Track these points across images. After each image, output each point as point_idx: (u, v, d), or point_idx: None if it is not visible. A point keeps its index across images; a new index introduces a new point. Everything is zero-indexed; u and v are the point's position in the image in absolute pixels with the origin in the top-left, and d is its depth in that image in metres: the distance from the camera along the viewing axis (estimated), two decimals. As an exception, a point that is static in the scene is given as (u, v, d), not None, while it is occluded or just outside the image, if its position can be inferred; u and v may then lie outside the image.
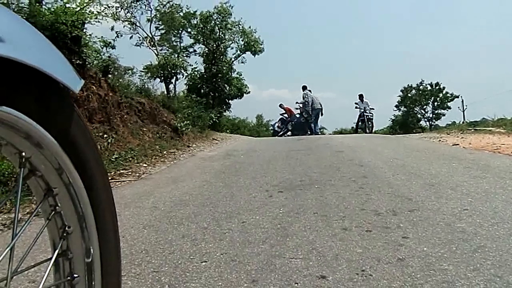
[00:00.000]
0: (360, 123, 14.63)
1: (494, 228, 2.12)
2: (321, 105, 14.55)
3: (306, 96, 14.34)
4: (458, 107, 31.81)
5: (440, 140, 7.93)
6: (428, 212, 2.49)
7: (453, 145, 6.82)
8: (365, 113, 14.31)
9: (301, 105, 14.75)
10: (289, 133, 15.13)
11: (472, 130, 9.09)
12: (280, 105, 16.13)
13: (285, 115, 15.83)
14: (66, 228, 0.70)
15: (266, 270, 1.74)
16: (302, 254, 1.90)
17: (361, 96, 14.79)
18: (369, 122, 14.34)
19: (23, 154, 0.60)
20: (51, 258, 0.68)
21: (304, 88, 14.58)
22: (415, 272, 1.63)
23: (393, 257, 1.80)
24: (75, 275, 0.73)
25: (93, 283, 0.74)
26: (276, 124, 16.05)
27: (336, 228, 2.27)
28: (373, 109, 14.70)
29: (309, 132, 14.26)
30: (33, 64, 0.53)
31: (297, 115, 15.09)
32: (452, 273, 1.60)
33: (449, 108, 31.48)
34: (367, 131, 14.06)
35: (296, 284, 1.58)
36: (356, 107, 14.64)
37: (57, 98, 0.62)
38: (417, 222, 2.30)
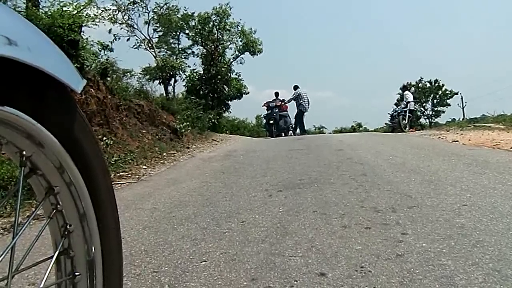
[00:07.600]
0: (393, 119, 12.32)
1: (493, 223, 2.13)
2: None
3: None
4: (458, 104, 31.94)
5: (439, 137, 7.94)
6: (427, 208, 2.50)
7: (452, 141, 6.84)
8: (399, 109, 11.92)
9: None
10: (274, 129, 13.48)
11: (472, 127, 9.11)
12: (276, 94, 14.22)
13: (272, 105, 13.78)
14: (68, 227, 0.70)
15: (265, 268, 1.74)
16: (301, 252, 1.91)
17: (404, 88, 12.83)
18: (403, 119, 11.64)
19: (24, 153, 0.60)
20: (52, 257, 0.69)
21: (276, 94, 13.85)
22: (414, 267, 1.64)
23: (392, 253, 1.81)
24: (77, 273, 0.73)
25: (94, 281, 0.75)
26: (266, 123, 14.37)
27: (336, 225, 2.28)
28: (410, 102, 11.95)
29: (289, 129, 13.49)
30: (35, 64, 0.53)
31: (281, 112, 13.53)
32: (451, 268, 1.61)
33: (449, 105, 31.62)
34: (399, 128, 11.54)
35: (295, 282, 1.59)
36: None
37: (59, 97, 0.63)
38: (416, 218, 2.31)
